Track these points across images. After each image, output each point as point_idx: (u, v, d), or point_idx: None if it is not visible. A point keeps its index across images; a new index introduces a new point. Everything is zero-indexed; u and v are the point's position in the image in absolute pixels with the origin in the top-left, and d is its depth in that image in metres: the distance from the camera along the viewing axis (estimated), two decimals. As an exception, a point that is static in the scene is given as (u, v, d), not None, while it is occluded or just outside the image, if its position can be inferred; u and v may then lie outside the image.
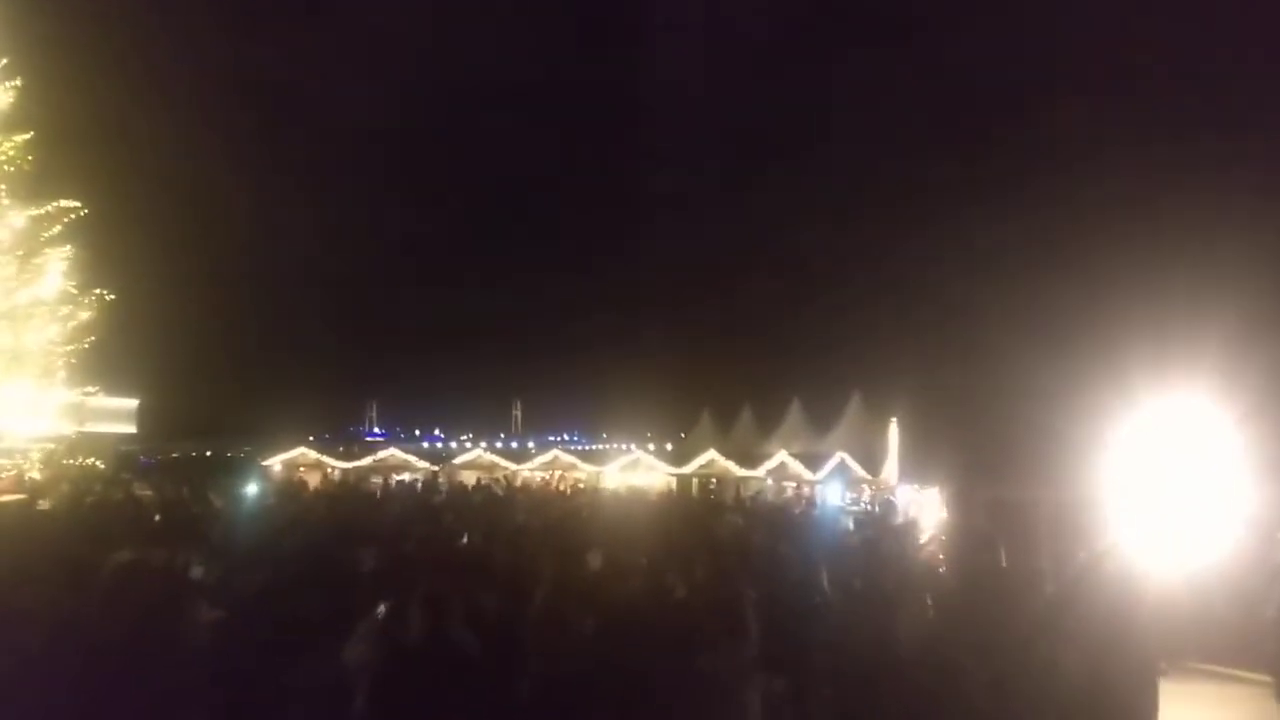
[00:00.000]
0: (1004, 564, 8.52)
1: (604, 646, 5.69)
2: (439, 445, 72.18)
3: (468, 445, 58.84)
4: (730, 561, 7.83)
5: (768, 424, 43.02)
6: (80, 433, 21.13)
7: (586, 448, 59.05)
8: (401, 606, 5.43)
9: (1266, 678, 8.13)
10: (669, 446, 48.79)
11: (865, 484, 27.74)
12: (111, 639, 4.64)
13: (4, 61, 20.04)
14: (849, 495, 24.70)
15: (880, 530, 14.18)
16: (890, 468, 24.30)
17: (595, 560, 7.48)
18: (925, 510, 16.35)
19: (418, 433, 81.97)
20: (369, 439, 67.37)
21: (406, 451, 40.20)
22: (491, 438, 68.99)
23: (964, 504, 14.58)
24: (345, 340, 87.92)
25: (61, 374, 20.43)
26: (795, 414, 40.83)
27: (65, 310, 20.06)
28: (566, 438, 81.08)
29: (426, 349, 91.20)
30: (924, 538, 13.52)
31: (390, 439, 74.60)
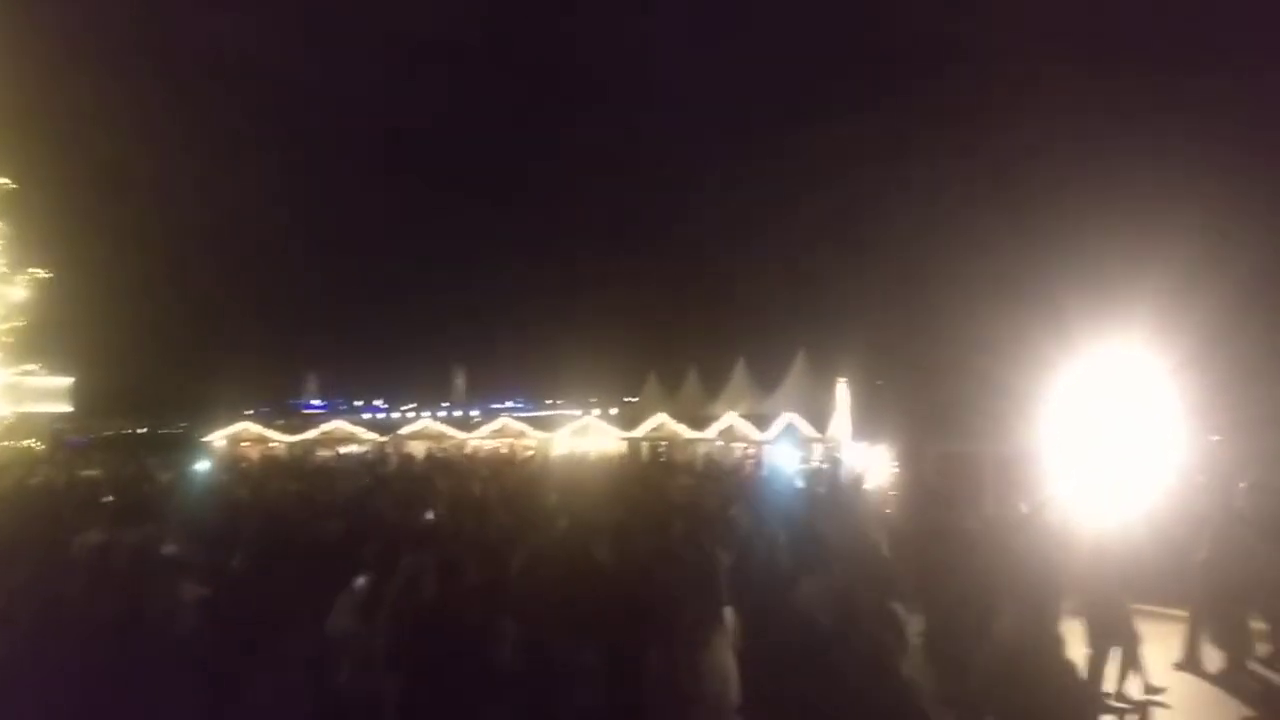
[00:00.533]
0: (951, 515, 8.93)
1: (581, 611, 5.90)
2: (381, 416, 71.58)
3: (410, 415, 58.36)
4: (697, 525, 8.06)
5: (714, 385, 43.38)
6: (17, 413, 20.62)
7: (533, 414, 59.05)
8: (379, 579, 5.56)
9: (1184, 612, 8.81)
10: (613, 411, 49.01)
11: (816, 443, 28.24)
12: (98, 618, 4.70)
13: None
14: (799, 454, 25.17)
15: (829, 486, 14.60)
16: (841, 426, 24.78)
17: (562, 526, 7.66)
18: (875, 466, 16.82)
19: (359, 404, 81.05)
20: (307, 411, 66.31)
21: (352, 423, 39.79)
22: (435, 407, 68.50)
23: (913, 459, 15.05)
24: (280, 312, 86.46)
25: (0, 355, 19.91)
26: (741, 375, 41.21)
27: (-2, 289, 19.49)
28: (511, 404, 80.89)
29: (363, 319, 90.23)
30: (869, 490, 14.02)
31: (331, 410, 73.52)
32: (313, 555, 6.71)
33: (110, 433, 49.46)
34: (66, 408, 22.34)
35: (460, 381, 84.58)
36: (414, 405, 73.56)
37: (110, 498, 12.47)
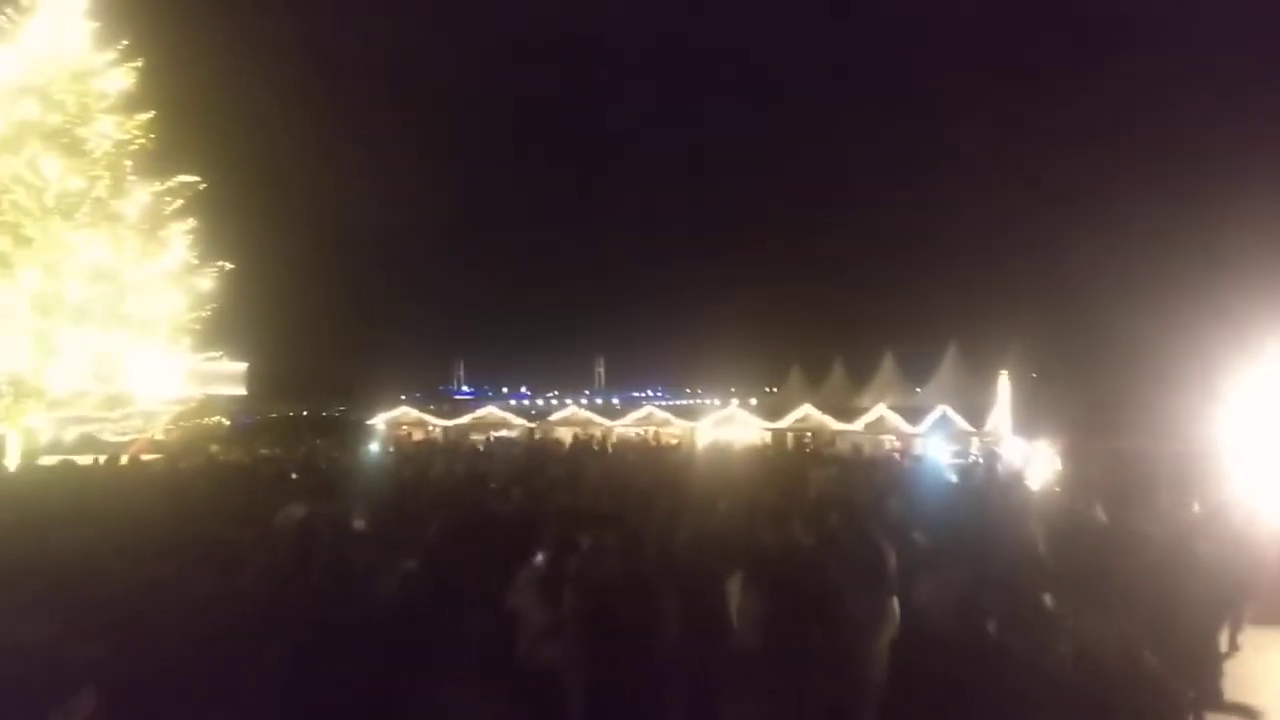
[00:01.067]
0: (1117, 516, 8.49)
1: (748, 595, 6.02)
2: (525, 402, 73.51)
3: (553, 402, 59.77)
4: (853, 515, 8.02)
5: (861, 377, 42.68)
6: (205, 396, 22.26)
7: (672, 403, 59.44)
8: (558, 556, 5.80)
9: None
10: (753, 401, 48.80)
11: (971, 436, 27.35)
12: (310, 588, 5.09)
13: (125, 43, 21.00)
14: (953, 448, 24.45)
15: (985, 480, 14.16)
16: (1001, 420, 23.90)
17: (722, 508, 7.79)
18: (1036, 462, 16.18)
19: (505, 390, 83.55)
20: (458, 396, 68.89)
21: (502, 409, 41.13)
22: (576, 394, 69.98)
23: (1078, 455, 14.41)
24: (432, 302, 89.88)
25: (187, 340, 21.52)
26: (889, 366, 40.39)
27: (188, 280, 21.09)
28: (651, 393, 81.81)
29: (510, 308, 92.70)
30: (1030, 485, 13.50)
31: (479, 396, 76.29)
32: (490, 533, 7.05)
33: (274, 415, 52.51)
34: (242, 391, 23.87)
35: (600, 370, 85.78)
36: (555, 392, 75.41)
37: (294, 475, 13.40)
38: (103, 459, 15.50)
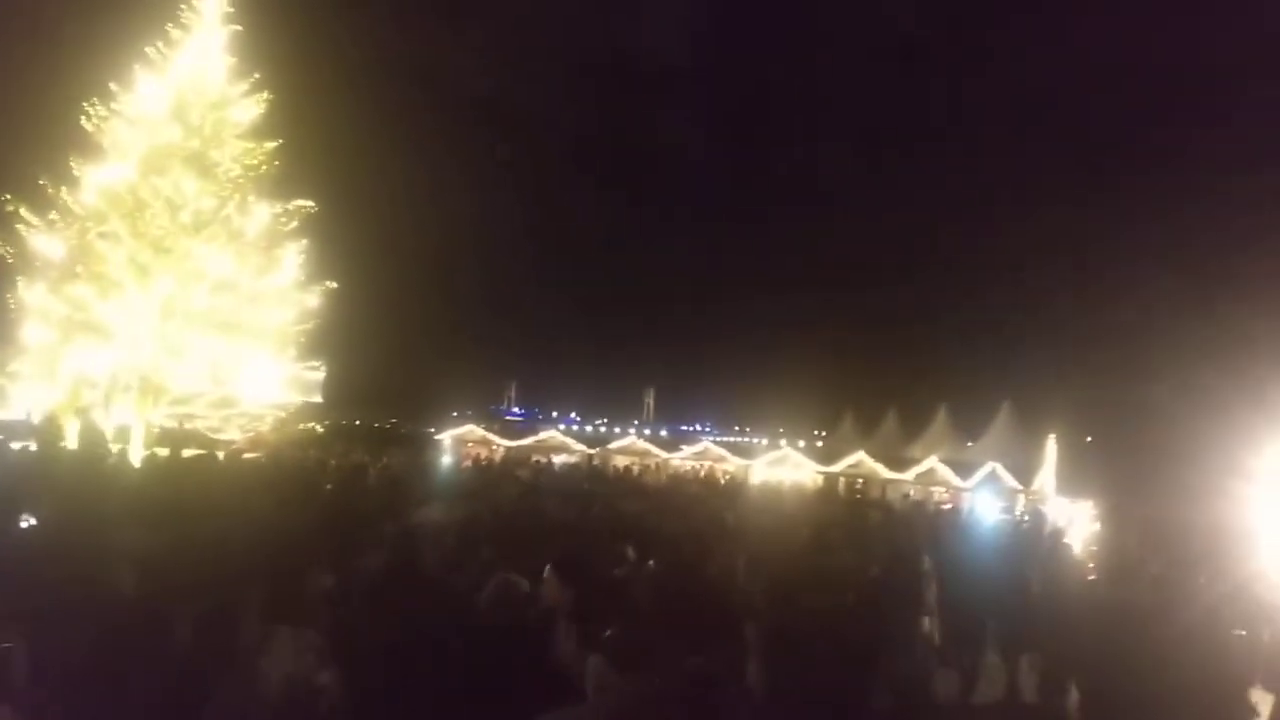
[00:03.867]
0: (1153, 582, 9.27)
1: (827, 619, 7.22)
2: (575, 428, 74.57)
3: (602, 429, 60.95)
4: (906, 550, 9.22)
5: (912, 428, 43.32)
6: (302, 401, 24.02)
7: (723, 439, 60.31)
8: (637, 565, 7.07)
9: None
10: (800, 443, 49.59)
11: (1018, 494, 28.17)
12: (454, 588, 6.19)
13: (256, 77, 23.12)
14: (1000, 504, 25.32)
15: (1029, 537, 15.13)
16: (1046, 479, 24.75)
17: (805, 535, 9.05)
18: (1077, 522, 17.10)
19: (555, 414, 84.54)
20: (509, 417, 70.25)
21: (564, 434, 42.69)
22: (625, 423, 71.03)
23: (1117, 519, 15.30)
24: (487, 321, 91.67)
25: (292, 350, 23.36)
26: (942, 420, 41.05)
27: (298, 295, 22.96)
28: (700, 427, 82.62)
29: (564, 333, 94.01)
30: (1073, 547, 14.42)
31: (529, 418, 77.54)
32: (579, 545, 8.24)
33: (344, 422, 54.22)
34: (318, 398, 25.48)
35: (650, 401, 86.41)
36: (605, 420, 76.42)
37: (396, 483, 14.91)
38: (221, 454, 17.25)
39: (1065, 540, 14.99)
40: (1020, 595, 9.03)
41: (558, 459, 35.88)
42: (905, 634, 7.04)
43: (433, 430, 42.39)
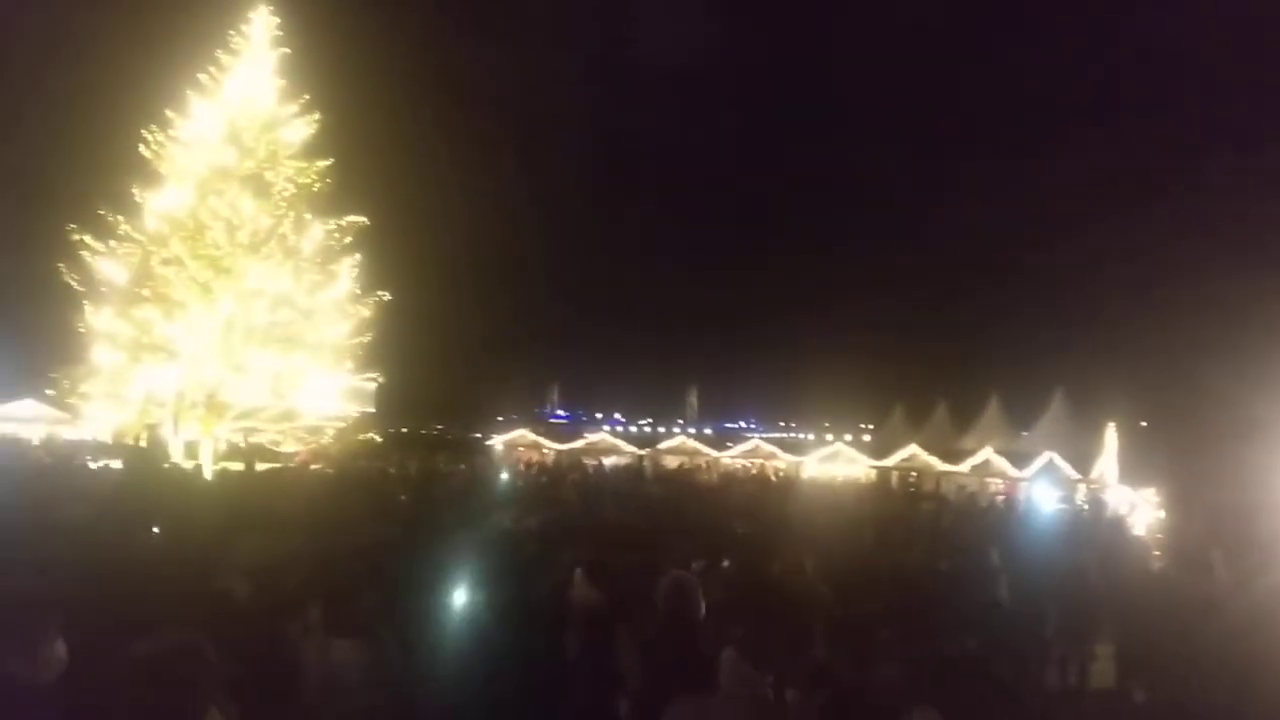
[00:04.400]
0: (1219, 569, 9.19)
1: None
2: (620, 429, 74.80)
3: (647, 429, 61.10)
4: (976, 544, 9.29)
5: (963, 419, 42.93)
6: (364, 413, 24.54)
7: (771, 435, 60.23)
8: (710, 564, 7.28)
9: None
10: (848, 437, 49.34)
11: (1078, 483, 27.88)
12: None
13: (306, 97, 23.70)
14: (1058, 493, 25.09)
15: (1087, 525, 15.05)
16: (1108, 468, 24.50)
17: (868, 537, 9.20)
18: (1140, 510, 16.96)
19: (599, 416, 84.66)
20: (553, 420, 70.69)
21: (613, 436, 42.98)
22: (670, 423, 71.09)
23: (1183, 506, 15.16)
24: (532, 326, 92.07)
25: (349, 363, 23.88)
26: (994, 410, 40.62)
27: (353, 308, 23.49)
28: (745, 425, 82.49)
29: (604, 334, 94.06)
30: (1136, 534, 14.31)
31: (574, 421, 77.96)
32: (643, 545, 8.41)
33: (400, 430, 54.89)
34: (371, 409, 25.97)
35: (694, 400, 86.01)
36: (650, 420, 76.59)
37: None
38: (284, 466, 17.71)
39: (1128, 527, 14.91)
40: (1079, 583, 9.13)
41: (608, 461, 36.12)
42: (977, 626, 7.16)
43: (479, 435, 42.91)
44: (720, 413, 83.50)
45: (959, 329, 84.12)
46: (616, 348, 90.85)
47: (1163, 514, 15.82)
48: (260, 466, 16.68)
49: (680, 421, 77.33)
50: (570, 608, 5.92)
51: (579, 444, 40.69)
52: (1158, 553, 12.75)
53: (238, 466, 16.31)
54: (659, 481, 21.77)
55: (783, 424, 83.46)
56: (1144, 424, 29.40)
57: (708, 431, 61.36)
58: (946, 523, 13.92)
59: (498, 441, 40.94)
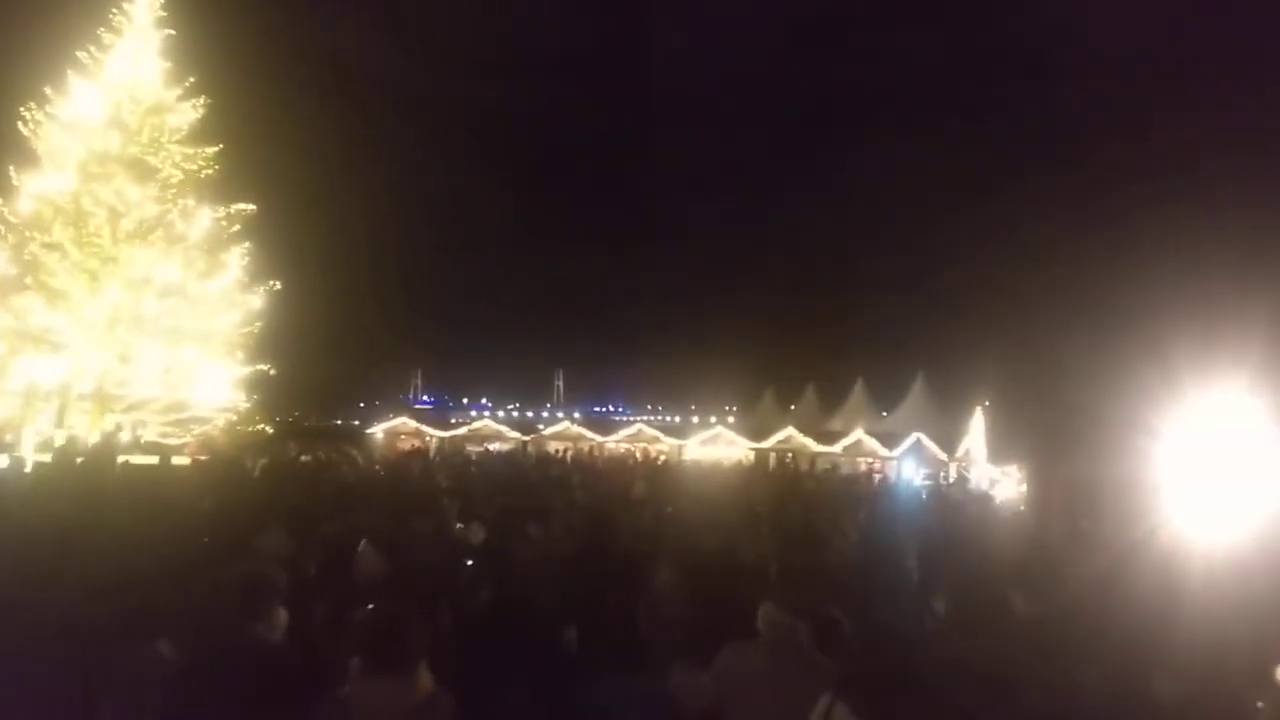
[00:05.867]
0: (1075, 532, 10.49)
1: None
2: (486, 414, 74.42)
3: (514, 414, 61.23)
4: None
5: (831, 402, 45.06)
6: (250, 402, 24.17)
7: (650, 419, 61.46)
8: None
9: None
10: (720, 420, 50.91)
11: (944, 462, 30.03)
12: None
13: (192, 80, 23.12)
14: (924, 471, 27.11)
15: (957, 497, 16.61)
16: (975, 447, 26.58)
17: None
18: (1002, 485, 18.79)
19: (465, 401, 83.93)
20: (418, 406, 69.97)
21: (497, 422, 43.24)
22: (538, 407, 71.21)
23: (1042, 480, 16.91)
24: (395, 313, 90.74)
25: (239, 353, 23.50)
26: (859, 393, 42.84)
27: (242, 297, 23.12)
28: (612, 409, 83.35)
29: (464, 319, 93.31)
30: (996, 505, 15.89)
31: (439, 406, 77.16)
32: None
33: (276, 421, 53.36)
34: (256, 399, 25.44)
35: (559, 384, 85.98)
36: (516, 405, 76.38)
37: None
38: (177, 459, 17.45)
39: (989, 498, 16.54)
40: (934, 543, 10.34)
41: (493, 447, 36.42)
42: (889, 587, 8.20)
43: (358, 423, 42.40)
44: (588, 397, 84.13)
45: (823, 315, 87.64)
46: (479, 332, 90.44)
47: (1023, 488, 17.62)
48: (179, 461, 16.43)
49: (549, 405, 77.68)
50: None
51: (462, 430, 40.83)
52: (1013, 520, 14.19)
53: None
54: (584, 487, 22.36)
55: (650, 407, 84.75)
56: (986, 404, 31.67)
57: (576, 415, 61.98)
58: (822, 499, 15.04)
59: (379, 430, 40.64)
